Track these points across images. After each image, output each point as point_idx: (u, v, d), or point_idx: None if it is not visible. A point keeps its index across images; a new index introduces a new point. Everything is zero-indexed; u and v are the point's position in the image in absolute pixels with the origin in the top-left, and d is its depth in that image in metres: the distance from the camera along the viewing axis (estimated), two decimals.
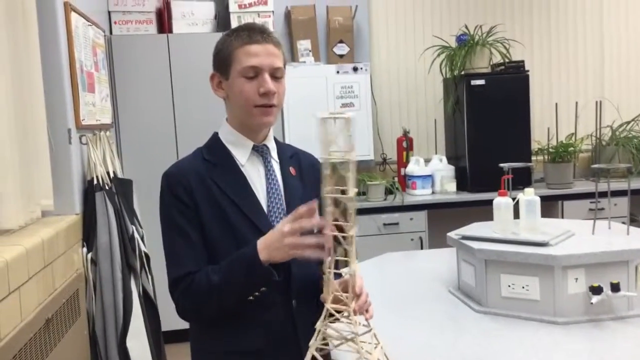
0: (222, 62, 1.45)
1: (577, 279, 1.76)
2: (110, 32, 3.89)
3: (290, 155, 1.58)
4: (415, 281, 2.32)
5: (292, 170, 1.54)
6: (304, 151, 1.65)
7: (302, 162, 1.59)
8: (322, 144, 1.21)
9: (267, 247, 1.30)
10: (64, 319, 2.40)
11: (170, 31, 3.97)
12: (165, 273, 1.43)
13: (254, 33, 1.43)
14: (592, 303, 1.70)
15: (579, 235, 1.97)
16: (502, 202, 1.96)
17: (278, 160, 1.53)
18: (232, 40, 1.44)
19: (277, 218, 1.45)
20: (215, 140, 1.52)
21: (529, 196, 1.95)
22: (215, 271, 1.35)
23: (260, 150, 1.50)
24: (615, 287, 1.71)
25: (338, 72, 4.33)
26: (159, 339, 3.17)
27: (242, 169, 1.47)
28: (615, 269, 1.77)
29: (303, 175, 1.56)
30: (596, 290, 1.71)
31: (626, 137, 4.65)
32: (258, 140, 1.50)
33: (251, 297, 1.36)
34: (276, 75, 1.44)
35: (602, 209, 4.24)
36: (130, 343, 2.81)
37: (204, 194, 1.40)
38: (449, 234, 2.12)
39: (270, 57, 1.42)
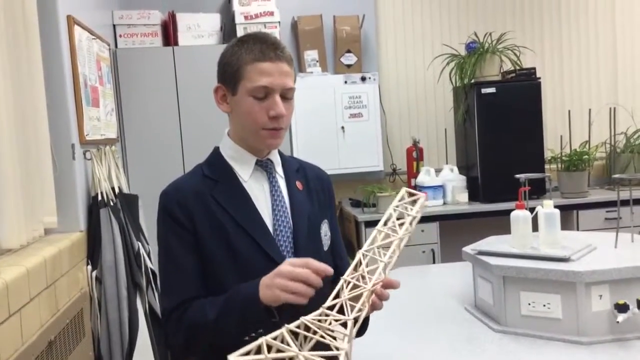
0: (230, 76, 1.35)
1: (601, 295, 1.67)
2: (116, 46, 3.85)
3: (296, 169, 1.50)
4: (429, 298, 2.24)
5: (298, 184, 1.46)
6: (310, 164, 1.57)
7: (308, 175, 1.51)
8: None
9: (263, 283, 1.20)
10: (68, 340, 2.33)
11: (176, 44, 3.92)
12: None
13: (267, 49, 1.32)
14: (618, 322, 1.61)
15: (601, 249, 1.88)
16: (519, 216, 1.88)
17: (283, 175, 1.45)
18: (242, 53, 1.33)
19: (284, 237, 1.36)
20: (216, 155, 1.44)
21: (548, 208, 1.86)
22: (212, 305, 1.26)
23: (264, 165, 1.42)
24: None
25: (346, 82, 4.27)
26: (166, 356, 3.10)
27: (245, 185, 1.38)
28: None
29: (310, 189, 1.48)
30: (622, 307, 1.62)
31: None
32: (262, 155, 1.42)
33: (247, 338, 1.24)
34: (287, 96, 1.35)
35: (620, 217, 4.15)
36: None
37: (203, 214, 1.32)
38: (464, 248, 2.04)
39: (282, 77, 1.32)
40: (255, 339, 1.23)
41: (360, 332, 1.36)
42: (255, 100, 1.32)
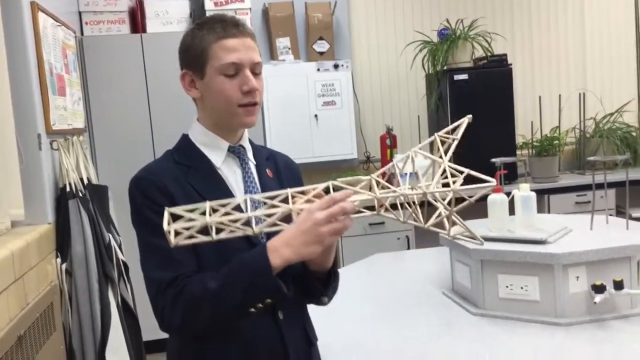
0: (195, 59, 1.32)
1: (578, 277, 1.68)
2: (82, 33, 3.75)
3: (266, 157, 1.47)
4: (406, 284, 2.23)
5: (269, 172, 1.44)
6: (279, 152, 1.54)
7: (278, 163, 1.48)
8: None
9: (290, 244, 1.17)
10: (38, 335, 2.27)
11: (144, 31, 3.84)
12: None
13: (229, 26, 1.30)
14: (595, 302, 1.62)
15: (577, 232, 1.89)
16: (496, 199, 1.88)
17: (255, 162, 1.43)
18: (203, 35, 1.31)
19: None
20: (186, 142, 1.39)
21: (525, 192, 1.87)
22: (213, 278, 1.21)
23: (236, 152, 1.38)
24: (618, 285, 1.63)
25: (319, 69, 4.23)
26: (140, 350, 3.05)
27: (219, 172, 1.35)
28: (616, 265, 1.70)
29: (281, 177, 1.45)
30: (599, 288, 1.63)
31: (610, 129, 4.62)
32: (234, 141, 1.39)
33: (253, 309, 1.22)
34: (255, 70, 1.32)
35: (588, 202, 4.21)
36: (109, 356, 2.69)
37: (182, 196, 1.27)
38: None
39: (249, 52, 1.31)
40: (262, 310, 1.23)
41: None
42: (226, 78, 1.30)
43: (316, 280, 1.34)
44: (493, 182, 1.12)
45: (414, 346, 1.63)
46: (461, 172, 1.17)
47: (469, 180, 1.16)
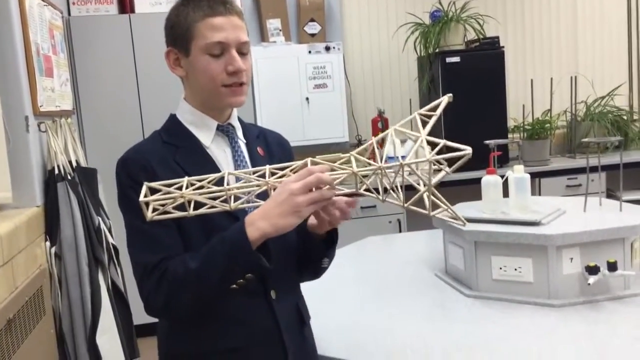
0: (180, 37, 1.29)
1: (572, 258, 1.68)
2: (69, 13, 3.69)
3: (257, 135, 1.45)
4: (399, 266, 2.23)
5: (260, 150, 1.41)
6: (270, 130, 1.52)
7: (269, 141, 1.46)
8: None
9: (266, 217, 1.14)
10: (28, 318, 2.24)
11: (133, 11, 3.78)
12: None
13: (215, 3, 1.27)
14: (589, 284, 1.62)
15: (570, 213, 1.89)
16: (490, 181, 1.87)
17: (245, 141, 1.40)
18: (189, 11, 1.27)
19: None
20: (173, 122, 1.37)
21: (519, 173, 1.86)
22: (193, 257, 1.19)
23: (225, 130, 1.36)
24: (612, 267, 1.63)
25: (310, 52, 4.19)
26: (130, 333, 3.03)
27: (208, 151, 1.33)
28: (610, 247, 1.70)
29: (272, 155, 1.43)
30: (593, 270, 1.63)
31: (601, 113, 4.62)
32: (222, 119, 1.36)
33: (235, 286, 1.21)
34: (242, 50, 1.29)
35: (579, 185, 4.23)
36: (100, 340, 2.67)
37: (169, 177, 1.24)
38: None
39: (236, 31, 1.27)
40: (243, 285, 1.21)
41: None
42: (212, 58, 1.27)
43: (319, 242, 1.33)
44: (469, 150, 1.11)
45: (408, 327, 1.63)
46: (438, 145, 1.17)
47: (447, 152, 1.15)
